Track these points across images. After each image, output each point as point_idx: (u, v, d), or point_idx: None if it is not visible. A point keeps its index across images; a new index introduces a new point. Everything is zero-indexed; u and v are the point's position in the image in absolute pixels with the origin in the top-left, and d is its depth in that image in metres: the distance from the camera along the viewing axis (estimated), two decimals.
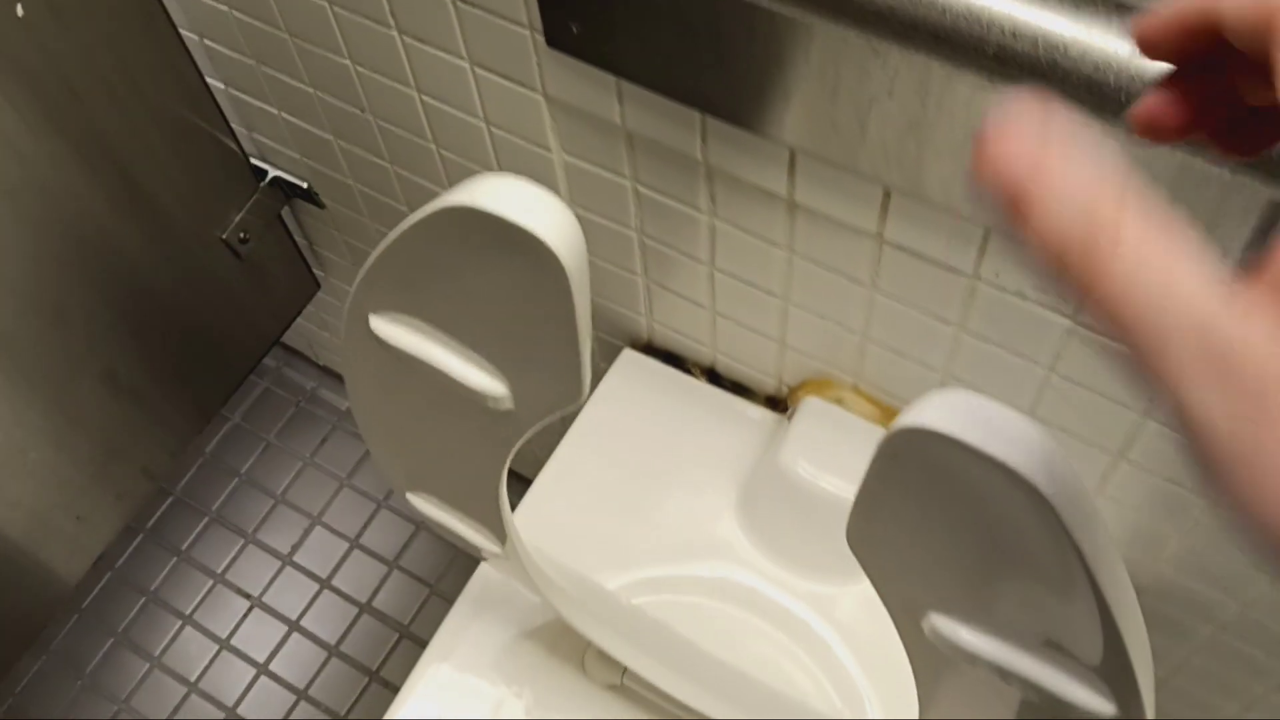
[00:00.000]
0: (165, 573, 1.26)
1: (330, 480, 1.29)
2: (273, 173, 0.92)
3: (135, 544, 1.27)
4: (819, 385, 0.71)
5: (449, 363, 0.39)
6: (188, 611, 1.24)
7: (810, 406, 0.70)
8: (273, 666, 1.20)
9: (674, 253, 0.69)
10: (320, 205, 0.93)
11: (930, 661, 0.38)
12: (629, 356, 0.80)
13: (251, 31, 0.77)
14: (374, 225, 0.92)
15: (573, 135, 0.65)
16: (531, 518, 0.74)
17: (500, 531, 0.56)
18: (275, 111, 0.84)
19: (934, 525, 0.33)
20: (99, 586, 1.25)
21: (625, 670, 0.67)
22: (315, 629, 1.22)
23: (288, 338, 1.28)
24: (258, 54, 0.79)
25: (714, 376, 0.79)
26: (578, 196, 0.70)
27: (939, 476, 0.31)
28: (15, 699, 1.21)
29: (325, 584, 1.24)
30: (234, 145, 0.89)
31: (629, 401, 0.78)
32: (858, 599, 0.70)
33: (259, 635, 1.22)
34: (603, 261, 0.74)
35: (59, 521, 0.94)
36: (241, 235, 0.91)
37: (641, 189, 0.65)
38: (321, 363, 1.33)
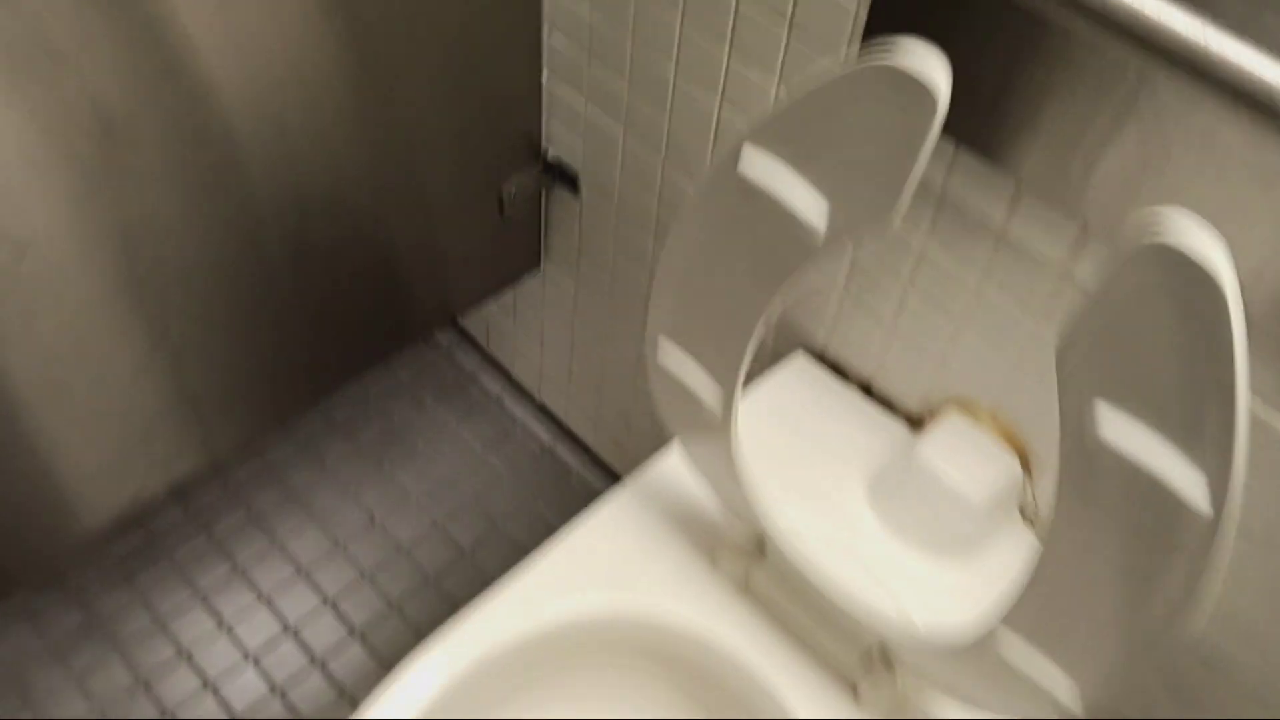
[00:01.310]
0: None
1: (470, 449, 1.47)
2: (553, 152, 1.13)
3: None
4: (960, 404, 0.88)
5: (783, 180, 0.58)
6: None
7: (951, 415, 0.87)
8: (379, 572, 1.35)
9: (878, 268, 0.88)
10: (576, 192, 1.14)
11: (1078, 471, 0.54)
12: (800, 358, 0.98)
13: (597, 31, 0.99)
14: (615, 223, 1.12)
15: None
16: (677, 464, 0.91)
17: (726, 400, 0.73)
18: (583, 100, 1.06)
19: (1143, 328, 0.49)
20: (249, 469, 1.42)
21: (750, 567, 0.83)
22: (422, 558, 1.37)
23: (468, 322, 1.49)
24: (594, 50, 1.01)
25: (867, 391, 0.96)
26: None
27: (1164, 291, 0.47)
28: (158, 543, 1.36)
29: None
30: (538, 120, 1.11)
31: (788, 391, 0.96)
32: (958, 583, 0.86)
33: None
34: None
35: (183, 419, 1.05)
36: (514, 192, 1.12)
37: None
38: (491, 352, 1.52)
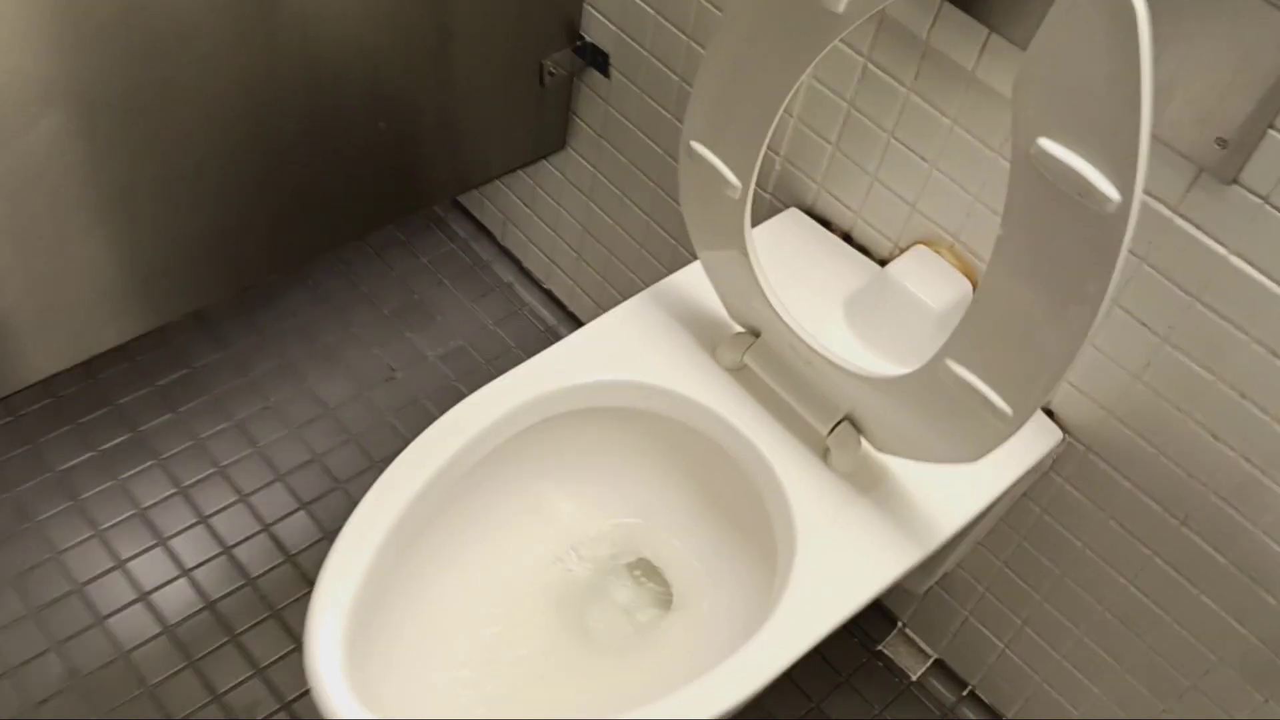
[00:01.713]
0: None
1: (475, 322, 1.62)
2: (588, 38, 1.29)
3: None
4: (926, 241, 1.05)
5: None
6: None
7: (919, 249, 1.04)
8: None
9: (868, 122, 1.05)
10: (606, 75, 1.31)
11: (1024, 193, 0.71)
12: (792, 212, 1.15)
13: None
14: (639, 101, 1.28)
15: None
16: (686, 279, 1.07)
17: (745, 184, 0.89)
18: None
19: (1077, 60, 0.65)
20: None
21: (746, 354, 0.99)
22: None
23: (482, 214, 1.65)
24: None
25: (848, 239, 1.13)
26: (816, 69, 1.06)
27: (1094, 23, 0.63)
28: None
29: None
30: (579, 6, 1.27)
31: (780, 238, 1.13)
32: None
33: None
34: (807, 129, 1.10)
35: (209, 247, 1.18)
36: (553, 70, 1.28)
37: (870, 65, 1.02)
38: (505, 243, 1.68)
